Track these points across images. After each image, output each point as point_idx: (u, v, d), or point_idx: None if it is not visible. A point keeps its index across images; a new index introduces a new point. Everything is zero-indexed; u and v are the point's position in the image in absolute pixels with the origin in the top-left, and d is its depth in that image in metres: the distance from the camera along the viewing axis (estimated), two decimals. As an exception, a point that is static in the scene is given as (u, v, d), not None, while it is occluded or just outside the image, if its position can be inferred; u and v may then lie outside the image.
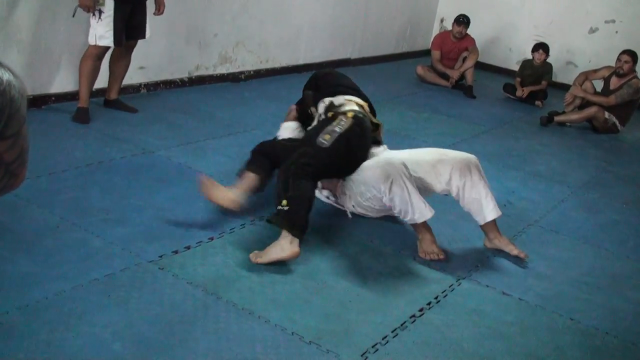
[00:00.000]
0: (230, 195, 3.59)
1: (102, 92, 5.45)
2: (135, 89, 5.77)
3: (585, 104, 7.00)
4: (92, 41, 4.74)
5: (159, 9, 5.14)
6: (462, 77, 8.00)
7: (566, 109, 7.10)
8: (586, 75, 7.21)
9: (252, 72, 6.87)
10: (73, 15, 4.71)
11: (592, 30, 8.72)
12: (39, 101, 5.03)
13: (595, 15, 8.68)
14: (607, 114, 6.85)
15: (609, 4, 8.57)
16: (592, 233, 4.31)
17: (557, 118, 6.95)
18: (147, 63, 5.79)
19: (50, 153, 4.24)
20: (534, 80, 7.83)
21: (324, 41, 7.85)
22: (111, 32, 4.70)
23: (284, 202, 3.25)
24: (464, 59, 8.02)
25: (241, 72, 6.74)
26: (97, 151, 4.39)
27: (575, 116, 6.96)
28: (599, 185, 5.32)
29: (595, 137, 6.83)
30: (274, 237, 3.50)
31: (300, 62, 7.43)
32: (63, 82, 5.18)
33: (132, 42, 5.04)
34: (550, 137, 6.56)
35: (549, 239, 4.10)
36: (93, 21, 4.70)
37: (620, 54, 6.88)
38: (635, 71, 6.90)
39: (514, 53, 8.91)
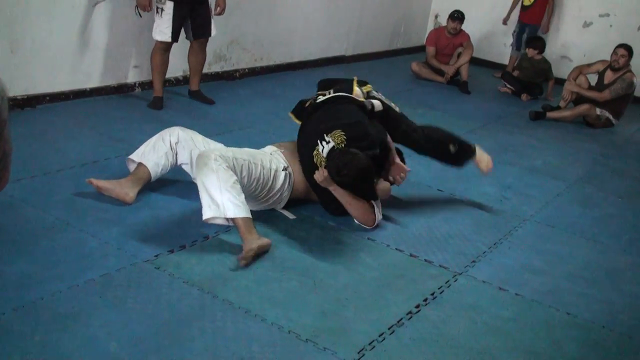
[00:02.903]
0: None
1: (81, 93, 5.46)
2: (129, 88, 5.75)
3: (579, 100, 7.00)
4: (154, 36, 5.21)
5: (218, 10, 5.45)
6: (457, 72, 8.01)
7: (561, 104, 7.11)
8: (580, 70, 7.22)
9: (246, 70, 6.86)
10: (139, 15, 5.17)
11: (587, 24, 8.73)
12: (34, 101, 5.02)
13: (590, 9, 8.69)
14: (599, 111, 6.86)
15: (603, -2, 8.58)
16: (588, 227, 4.31)
17: (549, 114, 6.95)
18: (142, 62, 5.77)
19: (45, 153, 4.23)
20: (533, 75, 7.82)
21: (319, 38, 7.84)
22: (170, 29, 5.13)
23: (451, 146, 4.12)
24: (459, 55, 8.03)
25: (236, 70, 6.73)
26: (92, 151, 4.38)
27: (567, 113, 6.97)
28: (595, 179, 5.33)
29: (590, 131, 6.84)
30: (270, 235, 3.51)
31: (295, 59, 7.42)
32: (57, 81, 5.16)
33: (201, 40, 5.49)
34: (545, 131, 6.57)
35: (545, 234, 4.11)
36: (157, 18, 5.14)
37: (617, 47, 6.89)
38: (629, 65, 6.91)
39: (509, 48, 8.90)
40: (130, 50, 5.67)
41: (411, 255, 3.55)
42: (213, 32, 5.49)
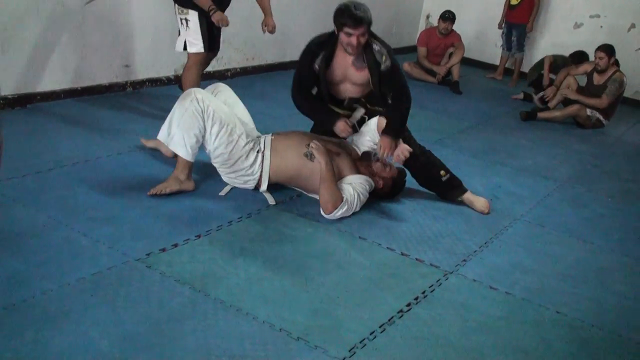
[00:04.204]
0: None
1: (72, 92, 5.45)
2: (120, 87, 5.74)
3: (569, 100, 7.04)
4: (179, 48, 4.83)
5: (270, 28, 5.11)
6: (449, 73, 8.03)
7: (550, 105, 7.14)
8: (568, 71, 7.27)
9: (238, 70, 6.86)
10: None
11: (577, 25, 8.77)
12: (24, 100, 5.01)
13: (580, 10, 8.73)
14: (589, 111, 6.91)
15: (592, -1, 8.63)
16: (578, 227, 4.33)
17: (540, 115, 6.98)
18: (133, 61, 5.77)
19: (36, 152, 4.22)
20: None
21: (310, 38, 7.83)
22: (200, 39, 4.72)
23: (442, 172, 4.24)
24: (450, 55, 8.05)
25: (227, 70, 6.73)
26: (84, 149, 4.37)
27: (557, 113, 7.00)
28: (585, 179, 5.36)
29: (580, 131, 6.88)
30: (262, 234, 3.53)
31: (287, 59, 7.42)
32: (48, 80, 5.15)
33: (216, 52, 5.09)
34: (536, 132, 6.60)
35: (535, 233, 4.13)
36: (182, 30, 4.75)
37: (596, 50, 6.97)
38: (616, 64, 6.96)
39: (500, 49, 8.93)
40: (121, 49, 5.65)
41: (402, 254, 3.56)
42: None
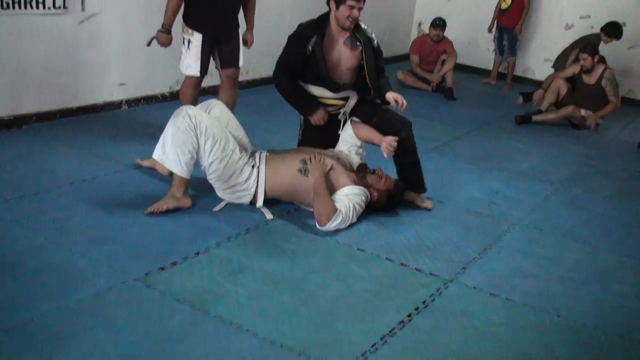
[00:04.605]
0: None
1: (68, 112, 5.46)
2: (116, 105, 5.75)
3: (561, 102, 7.07)
4: (183, 70, 4.75)
5: (247, 44, 5.04)
6: (442, 79, 8.04)
7: (542, 108, 7.15)
8: (555, 75, 7.31)
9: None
10: (148, 45, 4.72)
11: (568, 27, 8.80)
12: (20, 121, 5.01)
13: (571, 11, 8.76)
14: (583, 111, 6.94)
15: (582, 0, 8.65)
16: (576, 228, 4.34)
17: (534, 118, 6.99)
18: (127, 79, 5.78)
19: (33, 173, 4.22)
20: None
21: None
22: (198, 62, 4.65)
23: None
24: (443, 62, 8.07)
25: (209, 86, 6.71)
26: (80, 169, 4.37)
27: (552, 116, 7.02)
28: (581, 180, 5.37)
29: (575, 133, 6.89)
30: (260, 249, 3.53)
31: (265, 74, 7.42)
32: (44, 100, 5.16)
33: (228, 72, 4.88)
34: (531, 135, 6.61)
35: (534, 237, 4.13)
36: (183, 50, 4.68)
37: (579, 52, 7.05)
38: (602, 61, 7.01)
39: (493, 53, 8.95)
40: (116, 68, 5.67)
41: (401, 264, 3.56)
42: (242, 61, 4.94)
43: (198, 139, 3.75)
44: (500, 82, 8.84)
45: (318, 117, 4.29)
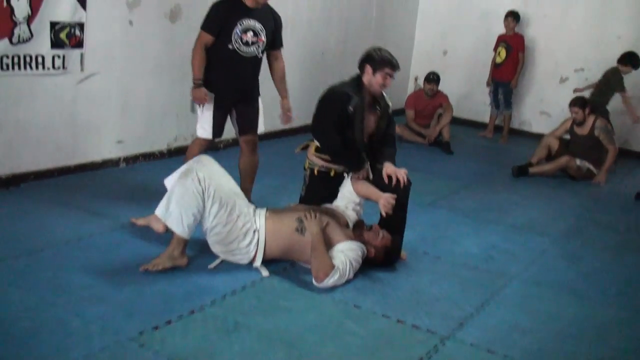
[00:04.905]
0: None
1: (66, 170, 5.48)
2: (114, 163, 5.79)
3: (557, 153, 7.11)
4: (196, 131, 4.76)
5: (286, 119, 4.93)
6: (439, 134, 8.10)
7: (532, 160, 7.19)
8: (550, 135, 7.35)
9: (230, 141, 6.91)
10: (192, 111, 4.76)
11: (563, 80, 8.91)
12: (19, 179, 5.04)
13: (565, 64, 8.88)
14: (578, 161, 6.99)
15: (577, 53, 8.78)
16: (575, 282, 4.32)
17: (531, 170, 7.02)
18: (125, 137, 5.83)
19: (29, 232, 4.23)
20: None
21: (300, 106, 7.93)
22: (211, 125, 4.66)
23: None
24: (439, 116, 8.14)
25: (220, 141, 6.79)
26: (76, 228, 4.38)
27: (547, 167, 7.06)
28: (579, 233, 5.36)
29: (572, 185, 6.90)
30: (256, 307, 3.51)
31: (278, 127, 7.48)
32: (42, 159, 5.20)
33: (247, 138, 4.84)
34: (528, 188, 6.62)
35: (532, 292, 4.10)
36: (198, 112, 4.69)
37: (570, 106, 7.18)
38: (593, 113, 7.13)
39: (489, 107, 9.04)
40: (114, 126, 5.73)
41: (398, 320, 3.53)
42: (261, 128, 4.90)
43: (204, 203, 3.75)
44: (497, 135, 8.91)
45: (364, 173, 4.30)
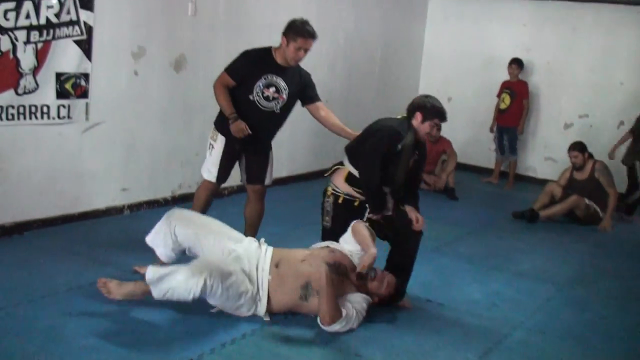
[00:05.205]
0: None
1: (69, 218, 5.50)
2: (118, 210, 5.81)
3: (566, 194, 7.09)
4: (202, 172, 4.84)
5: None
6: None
7: (535, 206, 7.15)
8: (552, 187, 7.33)
9: (235, 188, 6.93)
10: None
11: (567, 126, 8.94)
12: (22, 227, 5.06)
13: (569, 111, 8.93)
14: (587, 201, 6.97)
15: (580, 100, 8.83)
16: (580, 331, 4.26)
17: (542, 213, 6.99)
18: (130, 184, 5.87)
19: (31, 279, 4.23)
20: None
21: (305, 154, 8.00)
22: (216, 168, 4.71)
23: None
24: (443, 162, 8.16)
25: (224, 188, 6.80)
26: (78, 275, 4.37)
27: (557, 207, 7.04)
28: (585, 280, 5.31)
29: (578, 231, 6.86)
30: (256, 356, 3.47)
31: (284, 174, 7.53)
32: (45, 207, 5.22)
33: (254, 187, 4.87)
34: (534, 234, 6.59)
35: (536, 341, 4.04)
36: (207, 155, 4.75)
37: (568, 150, 7.23)
38: (591, 157, 7.16)
39: (494, 152, 9.07)
40: (118, 174, 5.76)
41: (399, 370, 3.49)
42: (267, 181, 4.89)
43: (206, 294, 3.71)
44: (503, 181, 8.90)
45: (380, 217, 4.30)
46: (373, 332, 3.90)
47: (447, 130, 8.16)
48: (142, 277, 4.08)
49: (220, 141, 4.66)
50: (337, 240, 4.24)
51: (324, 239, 4.42)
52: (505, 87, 8.71)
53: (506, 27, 9.27)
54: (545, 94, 9.07)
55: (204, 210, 4.86)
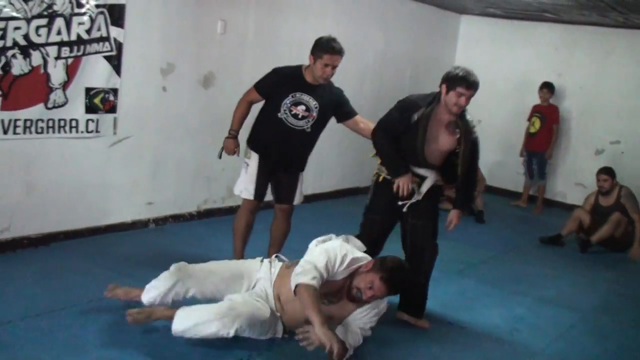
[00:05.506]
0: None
1: (96, 230, 5.56)
2: (143, 224, 5.87)
3: (588, 230, 6.98)
4: (236, 191, 4.84)
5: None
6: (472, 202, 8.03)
7: (562, 232, 7.05)
8: (579, 214, 7.21)
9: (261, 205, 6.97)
10: (219, 157, 4.89)
11: (599, 152, 8.83)
12: (48, 239, 5.12)
13: (601, 137, 8.84)
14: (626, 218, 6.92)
15: (612, 126, 8.74)
16: (601, 360, 4.19)
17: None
18: (156, 198, 5.93)
19: (53, 291, 4.28)
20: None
21: (332, 171, 8.01)
22: (253, 186, 4.71)
23: None
24: (471, 184, 8.08)
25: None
26: (100, 288, 4.38)
27: (606, 227, 6.87)
28: (610, 308, 5.22)
29: (605, 257, 6.76)
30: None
31: (309, 192, 7.53)
32: (72, 219, 5.29)
33: (282, 207, 4.90)
34: (560, 260, 6.50)
35: (556, 369, 3.99)
36: (242, 173, 4.77)
37: (597, 173, 7.12)
38: (616, 182, 7.07)
39: (523, 176, 8.98)
40: (144, 188, 5.83)
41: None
42: (296, 201, 4.90)
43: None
44: (531, 205, 8.81)
45: (404, 182, 4.18)
46: (390, 352, 3.88)
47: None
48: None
49: (254, 158, 4.69)
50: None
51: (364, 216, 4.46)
52: (536, 111, 8.66)
53: (538, 51, 9.24)
54: (577, 119, 8.99)
55: (245, 239, 4.87)
